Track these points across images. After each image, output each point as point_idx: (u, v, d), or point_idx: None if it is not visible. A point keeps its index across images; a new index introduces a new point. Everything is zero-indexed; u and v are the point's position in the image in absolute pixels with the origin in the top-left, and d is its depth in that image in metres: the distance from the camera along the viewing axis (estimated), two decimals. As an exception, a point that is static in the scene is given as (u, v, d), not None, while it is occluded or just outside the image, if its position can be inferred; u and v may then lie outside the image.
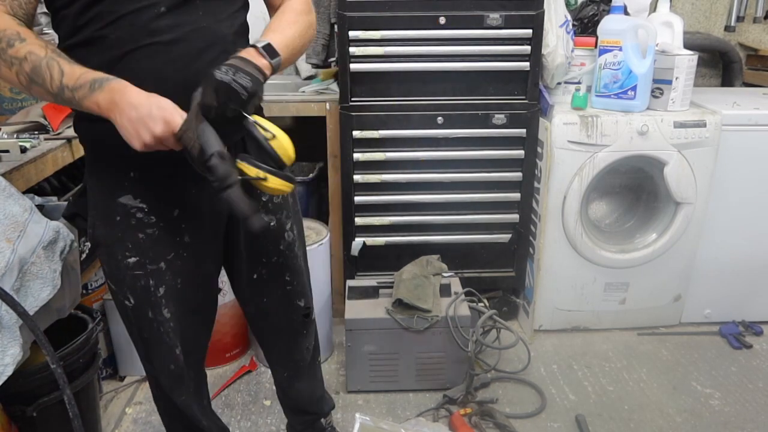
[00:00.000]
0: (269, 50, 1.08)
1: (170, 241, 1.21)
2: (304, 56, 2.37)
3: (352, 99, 2.10)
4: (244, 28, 1.20)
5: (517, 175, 2.24)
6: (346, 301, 2.06)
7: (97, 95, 0.97)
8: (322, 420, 1.69)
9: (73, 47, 1.05)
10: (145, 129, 0.95)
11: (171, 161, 1.06)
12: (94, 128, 1.09)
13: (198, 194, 1.19)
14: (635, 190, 2.35)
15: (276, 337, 1.51)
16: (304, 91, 2.28)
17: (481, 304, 2.11)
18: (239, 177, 0.99)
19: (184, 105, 1.00)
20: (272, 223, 1.31)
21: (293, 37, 1.15)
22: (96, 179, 1.19)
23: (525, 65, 2.10)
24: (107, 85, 0.97)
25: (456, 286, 2.11)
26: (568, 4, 2.25)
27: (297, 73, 2.68)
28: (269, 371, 2.16)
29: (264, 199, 1.28)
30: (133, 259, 1.20)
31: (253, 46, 1.08)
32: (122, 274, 1.22)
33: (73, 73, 0.97)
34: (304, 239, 1.46)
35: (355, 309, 2.01)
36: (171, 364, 1.31)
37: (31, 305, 1.25)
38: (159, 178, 1.16)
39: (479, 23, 2.04)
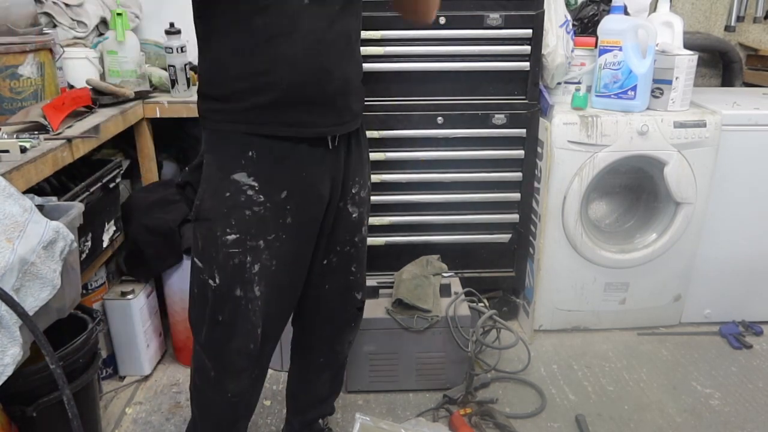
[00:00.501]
0: None
1: (274, 221, 1.26)
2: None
3: (352, 99, 2.10)
4: (359, 34, 1.32)
5: (517, 175, 2.24)
6: (346, 301, 2.06)
7: None
8: (320, 421, 1.70)
9: (218, 30, 1.17)
10: None
11: (287, 145, 1.21)
12: (223, 109, 1.21)
13: (307, 179, 1.26)
14: (635, 190, 2.35)
15: (326, 326, 1.53)
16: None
17: (481, 304, 2.11)
18: None
19: (315, 89, 1.17)
20: (354, 215, 1.40)
21: None
22: (214, 156, 1.25)
23: (525, 65, 2.10)
24: None
25: (456, 286, 2.11)
26: (568, 4, 2.25)
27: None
28: (269, 371, 2.16)
29: (353, 191, 1.37)
30: (232, 237, 1.24)
31: None
32: (216, 251, 1.25)
33: None
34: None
35: (355, 309, 2.01)
36: (251, 343, 1.32)
37: (31, 305, 1.25)
38: (274, 161, 1.23)
39: (479, 23, 2.04)
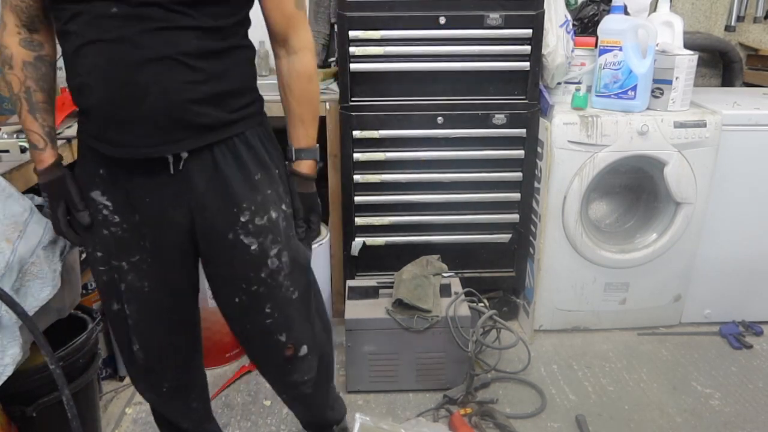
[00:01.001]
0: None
1: (133, 243, 1.23)
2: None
3: (352, 99, 2.10)
4: (214, 49, 1.12)
5: (517, 175, 2.24)
6: (346, 301, 2.06)
7: (31, 154, 1.23)
8: (334, 427, 1.67)
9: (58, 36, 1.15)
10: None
11: (129, 167, 1.16)
12: (80, 123, 1.21)
13: (153, 204, 1.19)
14: (635, 190, 2.35)
15: (263, 367, 1.47)
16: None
17: (481, 304, 2.11)
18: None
19: (124, 104, 1.08)
20: (252, 247, 1.23)
21: (316, 121, 1.33)
22: (78, 171, 1.25)
23: (525, 65, 2.09)
24: (33, 153, 1.22)
25: (456, 286, 2.11)
26: (568, 4, 2.25)
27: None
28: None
29: (242, 219, 1.21)
30: (99, 254, 1.25)
31: (315, 160, 1.33)
32: (91, 266, 1.29)
33: (27, 127, 1.20)
34: (304, 268, 1.36)
35: (355, 309, 2.01)
36: (135, 359, 1.35)
37: (31, 305, 1.25)
38: (121, 181, 1.19)
39: (479, 23, 2.04)
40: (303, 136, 1.30)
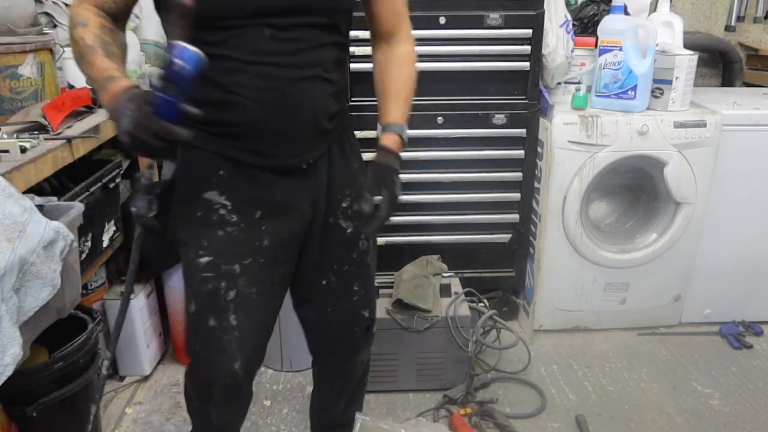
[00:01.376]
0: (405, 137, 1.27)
1: (249, 244, 1.19)
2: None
3: (352, 99, 2.10)
4: (340, 59, 1.23)
5: (517, 175, 2.24)
6: (346, 301, 2.06)
7: (102, 93, 1.04)
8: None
9: None
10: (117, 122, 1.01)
11: (259, 161, 1.15)
12: (191, 128, 1.08)
13: (283, 198, 1.20)
14: (635, 190, 2.35)
15: (334, 348, 1.44)
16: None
17: (481, 304, 2.11)
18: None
19: (279, 123, 1.12)
20: (348, 230, 1.30)
21: (410, 100, 1.30)
22: (184, 175, 1.20)
23: (525, 65, 2.10)
24: (107, 85, 1.02)
25: (456, 286, 2.11)
26: (568, 4, 2.25)
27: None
28: (270, 371, 2.16)
29: (344, 205, 1.28)
30: (205, 259, 1.17)
31: (401, 136, 1.26)
32: (191, 275, 1.19)
33: (100, 67, 1.04)
34: (376, 249, 1.44)
35: (355, 309, 2.01)
36: (228, 379, 1.21)
37: (31, 305, 1.25)
38: (246, 178, 1.17)
39: (479, 23, 2.04)
40: (398, 112, 1.28)
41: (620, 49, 2.09)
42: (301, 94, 1.13)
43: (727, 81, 2.78)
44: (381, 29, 1.28)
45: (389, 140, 1.27)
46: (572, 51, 2.17)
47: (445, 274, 2.14)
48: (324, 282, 1.33)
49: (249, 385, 1.33)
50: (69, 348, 1.49)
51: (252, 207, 1.19)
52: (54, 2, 2.11)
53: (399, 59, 1.29)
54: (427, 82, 2.10)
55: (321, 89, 1.16)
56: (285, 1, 1.08)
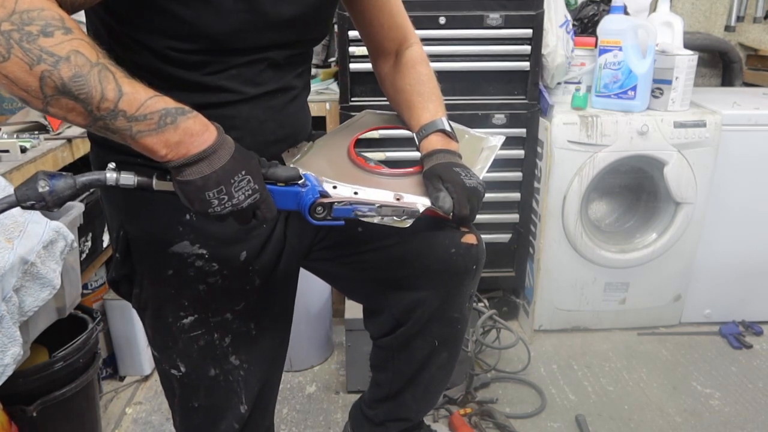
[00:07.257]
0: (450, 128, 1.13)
1: (237, 290, 1.04)
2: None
3: (352, 99, 2.10)
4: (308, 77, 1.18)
5: (517, 175, 2.24)
6: (346, 301, 2.06)
7: (169, 134, 0.75)
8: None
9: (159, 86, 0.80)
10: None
11: None
12: (136, 163, 0.87)
13: (273, 227, 1.06)
14: (635, 190, 2.35)
15: (428, 282, 1.16)
16: (304, 91, 2.27)
17: (481, 304, 2.11)
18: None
19: (267, 146, 1.03)
20: (359, 228, 1.15)
21: (440, 98, 1.21)
22: (139, 228, 0.99)
23: (525, 65, 2.10)
24: (183, 122, 0.76)
25: (456, 286, 2.11)
26: (568, 4, 2.25)
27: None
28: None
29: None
30: (189, 319, 1.02)
31: (443, 131, 1.12)
32: (173, 340, 1.04)
33: (136, 96, 0.73)
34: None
35: (355, 309, 2.00)
36: (235, 422, 1.10)
37: (31, 305, 1.25)
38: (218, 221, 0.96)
39: (479, 23, 2.04)
40: (430, 109, 1.16)
41: (620, 49, 2.09)
42: (293, 119, 1.11)
43: (727, 81, 2.78)
44: (387, 47, 1.22)
45: (432, 143, 1.09)
46: (572, 51, 2.17)
47: (445, 274, 2.14)
48: (360, 229, 1.12)
49: (264, 427, 1.20)
50: (69, 348, 1.49)
51: (234, 247, 1.02)
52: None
53: (411, 62, 1.20)
54: (427, 82, 2.10)
55: (305, 110, 1.17)
56: (286, 35, 1.01)
